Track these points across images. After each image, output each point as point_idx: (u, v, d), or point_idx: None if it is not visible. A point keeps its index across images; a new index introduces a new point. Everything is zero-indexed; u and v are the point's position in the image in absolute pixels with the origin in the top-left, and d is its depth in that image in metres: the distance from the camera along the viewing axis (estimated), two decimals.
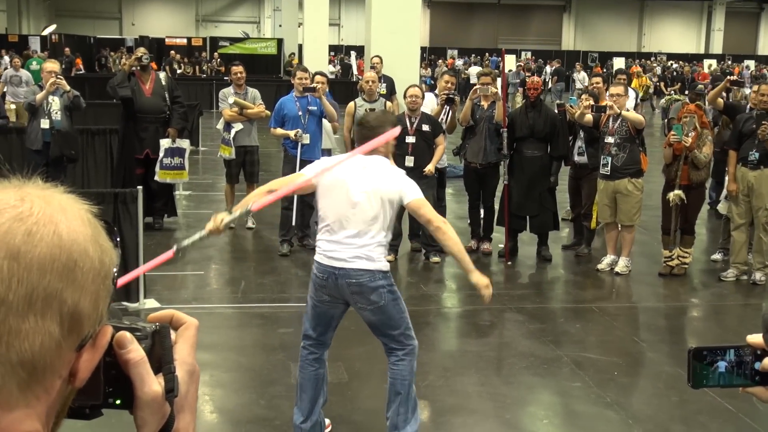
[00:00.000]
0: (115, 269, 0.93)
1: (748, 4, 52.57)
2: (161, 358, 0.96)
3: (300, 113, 9.04)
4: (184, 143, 10.00)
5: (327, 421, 4.99)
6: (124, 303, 7.03)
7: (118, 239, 0.96)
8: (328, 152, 9.31)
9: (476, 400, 5.56)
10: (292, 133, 8.94)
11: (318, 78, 9.44)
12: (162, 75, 10.31)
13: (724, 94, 10.22)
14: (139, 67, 9.82)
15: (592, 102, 8.71)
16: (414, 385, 4.75)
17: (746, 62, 33.83)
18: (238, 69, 10.11)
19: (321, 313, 4.70)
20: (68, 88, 9.57)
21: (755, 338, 1.22)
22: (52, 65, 9.82)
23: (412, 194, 4.54)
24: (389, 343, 4.67)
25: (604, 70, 29.75)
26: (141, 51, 10.22)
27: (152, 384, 0.93)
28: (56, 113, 9.40)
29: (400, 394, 4.64)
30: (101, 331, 0.91)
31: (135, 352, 0.93)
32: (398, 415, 4.65)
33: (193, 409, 1.00)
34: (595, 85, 9.88)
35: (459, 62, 38.26)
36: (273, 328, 6.84)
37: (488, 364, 6.22)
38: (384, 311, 4.57)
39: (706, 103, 10.28)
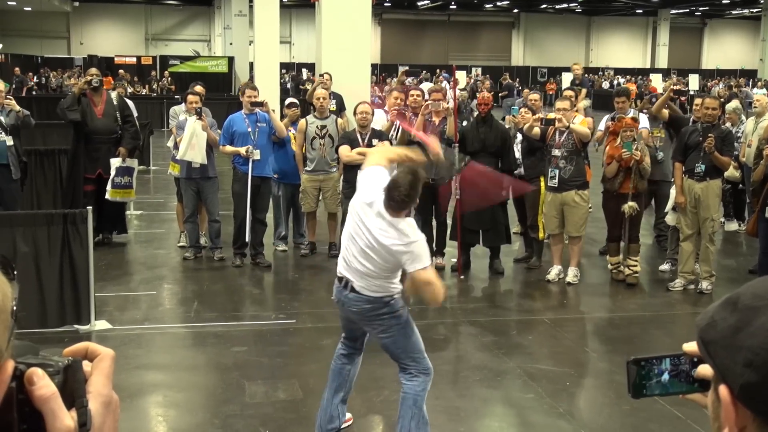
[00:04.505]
0: (13, 303, 0.93)
1: (692, 20, 53.75)
2: (74, 392, 0.95)
3: (249, 129, 9.03)
4: (133, 163, 9.98)
5: (348, 415, 5.20)
6: (76, 325, 6.96)
7: (15, 273, 0.96)
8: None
9: (431, 414, 5.55)
10: (242, 150, 8.91)
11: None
12: (114, 94, 10.23)
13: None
14: (89, 89, 9.76)
15: (541, 116, 8.87)
16: (425, 406, 4.79)
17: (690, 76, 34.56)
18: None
19: (344, 325, 4.94)
20: (18, 108, 9.45)
21: (691, 346, 1.24)
22: None
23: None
24: (400, 362, 4.80)
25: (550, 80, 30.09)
26: (92, 73, 10.13)
27: (64, 419, 0.93)
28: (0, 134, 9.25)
29: (413, 410, 4.70)
30: (2, 367, 0.91)
31: (46, 387, 0.92)
32: None
33: None
34: (533, 101, 10.02)
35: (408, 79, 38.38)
36: (227, 347, 6.80)
37: (442, 377, 6.24)
38: (389, 335, 4.71)
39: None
